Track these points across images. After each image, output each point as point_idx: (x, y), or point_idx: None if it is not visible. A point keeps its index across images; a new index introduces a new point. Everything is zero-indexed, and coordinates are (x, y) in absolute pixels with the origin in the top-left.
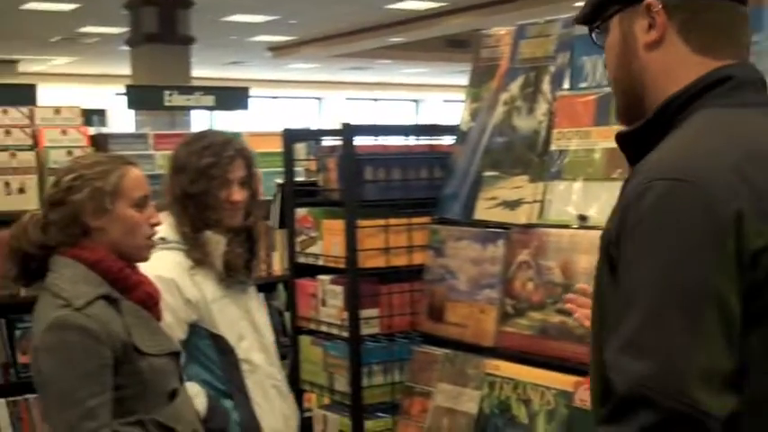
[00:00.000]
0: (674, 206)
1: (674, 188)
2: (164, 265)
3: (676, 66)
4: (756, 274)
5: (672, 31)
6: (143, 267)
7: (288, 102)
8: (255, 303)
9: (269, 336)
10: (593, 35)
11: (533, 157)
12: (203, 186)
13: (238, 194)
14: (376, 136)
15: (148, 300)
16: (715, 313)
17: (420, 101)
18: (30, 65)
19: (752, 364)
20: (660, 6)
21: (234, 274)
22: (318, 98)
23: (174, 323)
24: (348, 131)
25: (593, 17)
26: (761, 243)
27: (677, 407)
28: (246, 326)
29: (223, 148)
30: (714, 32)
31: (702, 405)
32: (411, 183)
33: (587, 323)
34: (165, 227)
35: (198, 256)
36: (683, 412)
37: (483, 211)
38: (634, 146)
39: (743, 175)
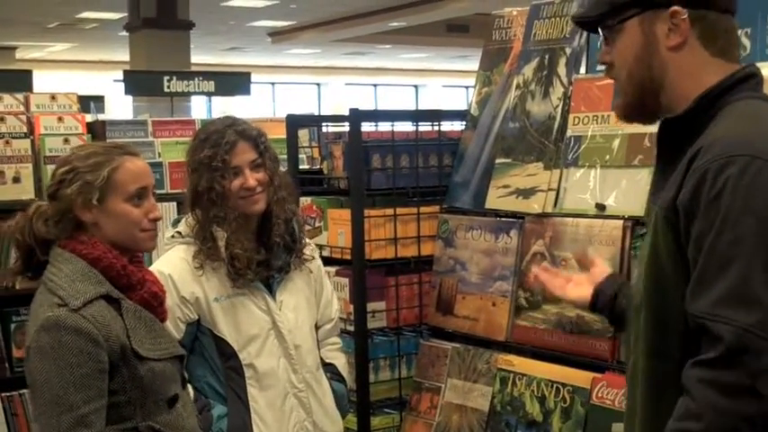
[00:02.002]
0: (757, 178)
1: (754, 163)
2: (167, 261)
3: (699, 68)
4: None
5: (693, 37)
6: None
7: (287, 88)
8: (290, 302)
9: (300, 340)
10: (602, 33)
11: (548, 144)
12: (209, 181)
13: (252, 179)
14: (384, 122)
15: (153, 299)
16: None
17: (420, 86)
18: (28, 51)
19: None
20: (686, 15)
21: (243, 271)
22: (317, 84)
23: (168, 322)
24: (355, 117)
25: (609, 16)
26: None
27: None
28: (264, 328)
29: (222, 135)
30: (726, 39)
31: None
32: (419, 170)
33: (559, 292)
34: (183, 222)
35: (206, 252)
36: None
37: (495, 199)
38: (674, 133)
39: None
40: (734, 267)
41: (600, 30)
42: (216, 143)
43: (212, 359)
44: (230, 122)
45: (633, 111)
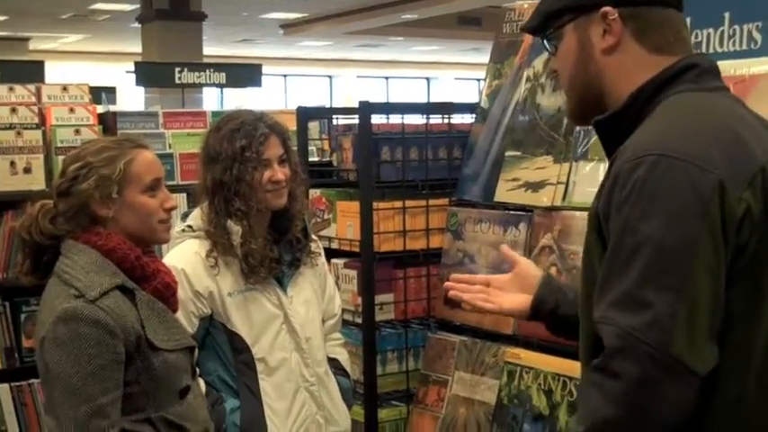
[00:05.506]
0: (662, 178)
1: (661, 162)
2: (180, 255)
3: (636, 66)
4: (740, 238)
5: (627, 35)
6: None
7: (298, 80)
8: (300, 296)
9: (311, 333)
10: (546, 43)
11: (558, 137)
12: (239, 172)
13: (280, 173)
14: (393, 114)
15: (165, 290)
16: (702, 273)
17: (432, 79)
18: (41, 42)
19: (735, 315)
20: (616, 15)
21: (257, 269)
22: (329, 76)
23: (181, 316)
24: (365, 109)
25: (545, 26)
26: (743, 208)
27: (662, 358)
28: (275, 323)
29: (254, 126)
30: (665, 34)
31: (686, 360)
32: (429, 163)
33: (481, 304)
34: (195, 215)
35: (222, 246)
36: (666, 364)
37: (504, 192)
38: (609, 133)
39: (720, 150)
40: (629, 272)
41: (543, 39)
42: (249, 134)
43: (224, 353)
44: (260, 115)
45: (578, 115)
